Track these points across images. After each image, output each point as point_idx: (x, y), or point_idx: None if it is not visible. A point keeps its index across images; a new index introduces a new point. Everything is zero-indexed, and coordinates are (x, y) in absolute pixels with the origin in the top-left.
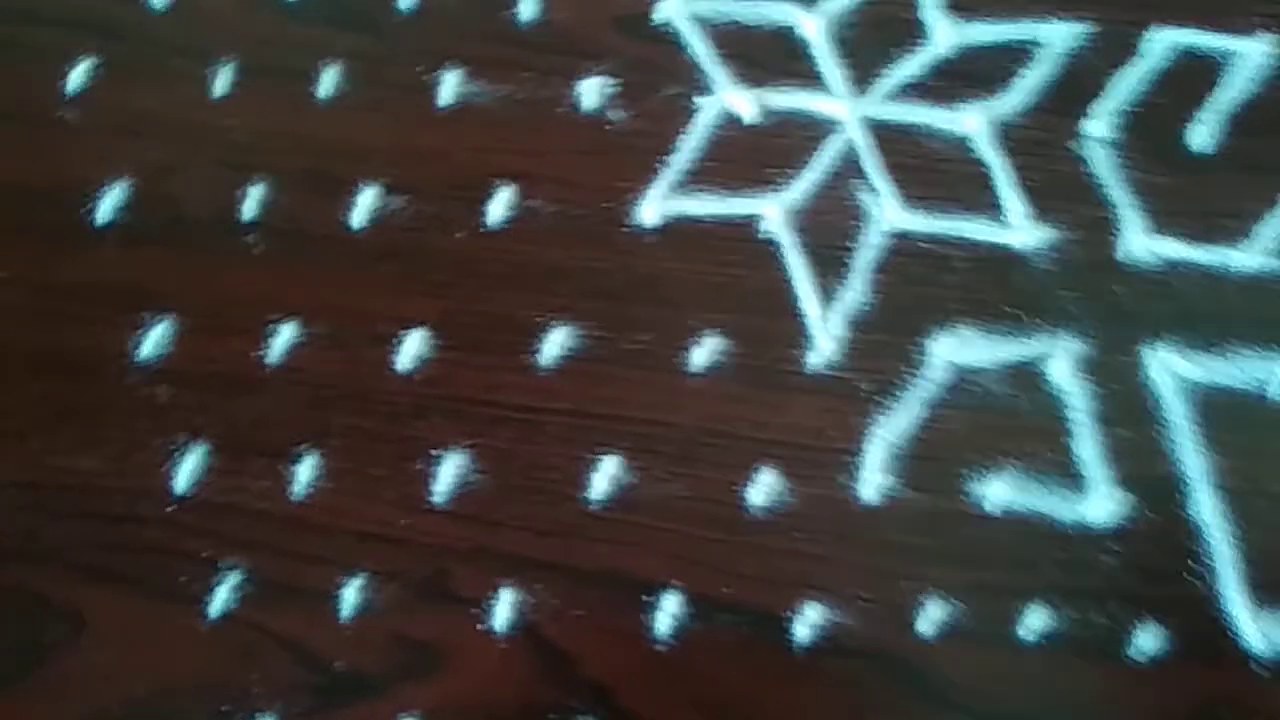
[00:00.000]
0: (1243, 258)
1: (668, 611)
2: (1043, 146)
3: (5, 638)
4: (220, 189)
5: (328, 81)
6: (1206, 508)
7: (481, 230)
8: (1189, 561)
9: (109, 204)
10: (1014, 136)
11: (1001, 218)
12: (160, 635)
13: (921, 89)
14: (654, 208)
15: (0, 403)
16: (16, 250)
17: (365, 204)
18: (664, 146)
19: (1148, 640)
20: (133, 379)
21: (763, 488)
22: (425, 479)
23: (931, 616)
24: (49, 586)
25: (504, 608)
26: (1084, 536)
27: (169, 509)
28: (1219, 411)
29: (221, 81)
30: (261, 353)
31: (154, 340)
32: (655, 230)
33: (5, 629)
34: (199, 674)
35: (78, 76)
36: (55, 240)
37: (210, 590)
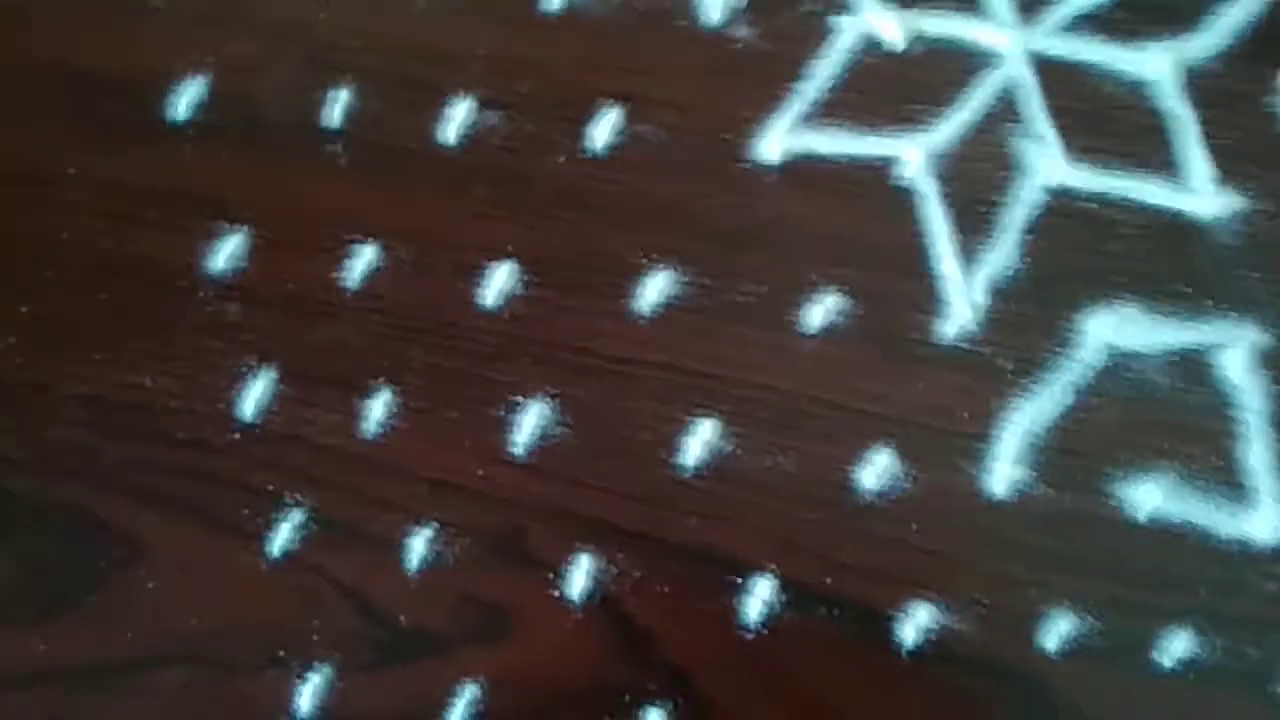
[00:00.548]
0: None
1: (759, 597)
2: (1237, 100)
3: (63, 558)
4: (304, 90)
5: None
6: None
7: (583, 156)
8: None
9: (185, 99)
10: (1203, 86)
11: (1181, 180)
12: (219, 569)
13: (1099, 21)
14: (777, 142)
15: (63, 308)
16: (85, 144)
17: (458, 118)
18: (794, 71)
19: None
20: (203, 293)
21: (877, 469)
22: (505, 427)
23: (1058, 630)
24: (108, 508)
25: (581, 575)
26: (1243, 555)
27: (234, 436)
28: None
29: None
30: (339, 275)
31: (227, 253)
32: (777, 168)
33: (63, 549)
34: (256, 615)
35: None
36: (126, 135)
37: (272, 527)
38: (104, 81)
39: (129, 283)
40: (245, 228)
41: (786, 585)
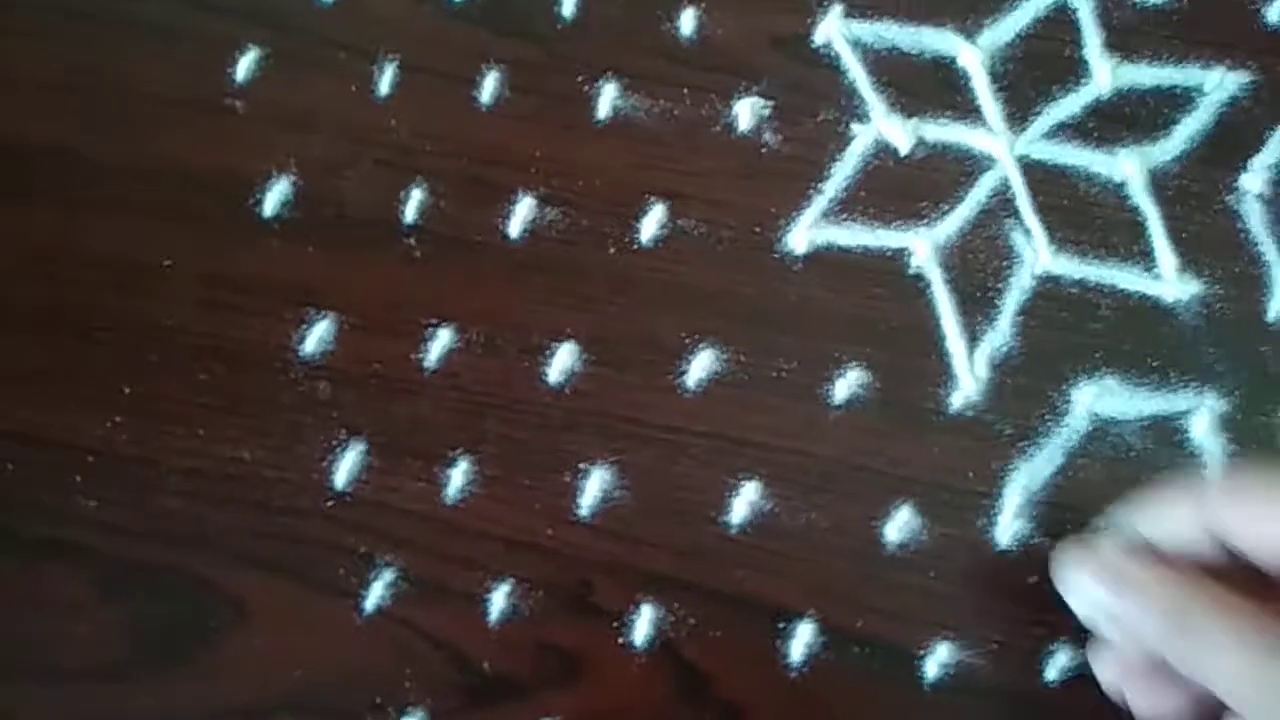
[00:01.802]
0: None
1: (801, 639)
2: (1198, 198)
3: (170, 619)
4: (381, 189)
5: (488, 87)
6: None
7: (634, 247)
8: None
9: (274, 197)
10: (1169, 185)
11: (1152, 268)
12: (318, 626)
13: (1079, 130)
14: (803, 235)
15: (167, 390)
16: (182, 238)
17: (521, 213)
18: (816, 173)
19: None
20: (295, 374)
21: (899, 524)
22: (572, 492)
23: (1059, 663)
24: (213, 572)
25: (643, 623)
26: None
27: (328, 504)
28: None
29: (385, 80)
30: (419, 356)
31: (316, 337)
32: (803, 258)
33: (172, 611)
34: (353, 667)
35: (246, 66)
36: (221, 231)
37: (365, 585)
38: (198, 180)
39: (227, 365)
40: (332, 314)
41: (824, 628)
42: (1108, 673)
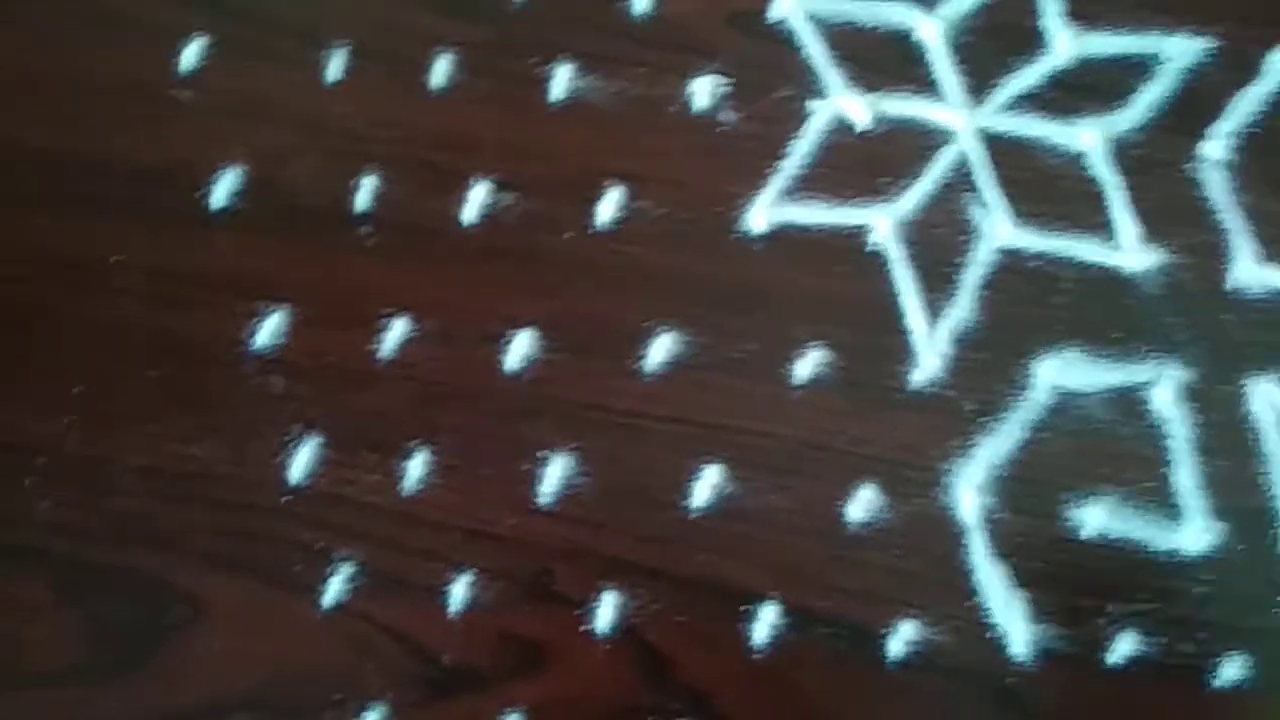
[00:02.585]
0: None
1: (765, 621)
2: (1158, 167)
3: (129, 619)
4: (333, 178)
5: (440, 71)
6: None
7: (590, 231)
8: (1278, 595)
9: (223, 189)
10: (1129, 155)
11: (1113, 239)
12: (276, 623)
13: (1038, 101)
14: (763, 214)
15: (118, 388)
16: (131, 233)
17: (476, 199)
18: (775, 151)
19: (1234, 670)
20: (248, 368)
21: (862, 503)
22: (532, 479)
23: (1023, 638)
24: (169, 571)
25: (607, 610)
26: (1177, 565)
27: (284, 499)
28: None
29: (334, 66)
30: (374, 346)
31: (268, 330)
32: (763, 238)
33: (129, 611)
34: (313, 662)
35: (191, 56)
36: (169, 224)
37: (324, 580)
38: (145, 173)
39: (178, 360)
40: (285, 306)
41: (789, 610)
42: None
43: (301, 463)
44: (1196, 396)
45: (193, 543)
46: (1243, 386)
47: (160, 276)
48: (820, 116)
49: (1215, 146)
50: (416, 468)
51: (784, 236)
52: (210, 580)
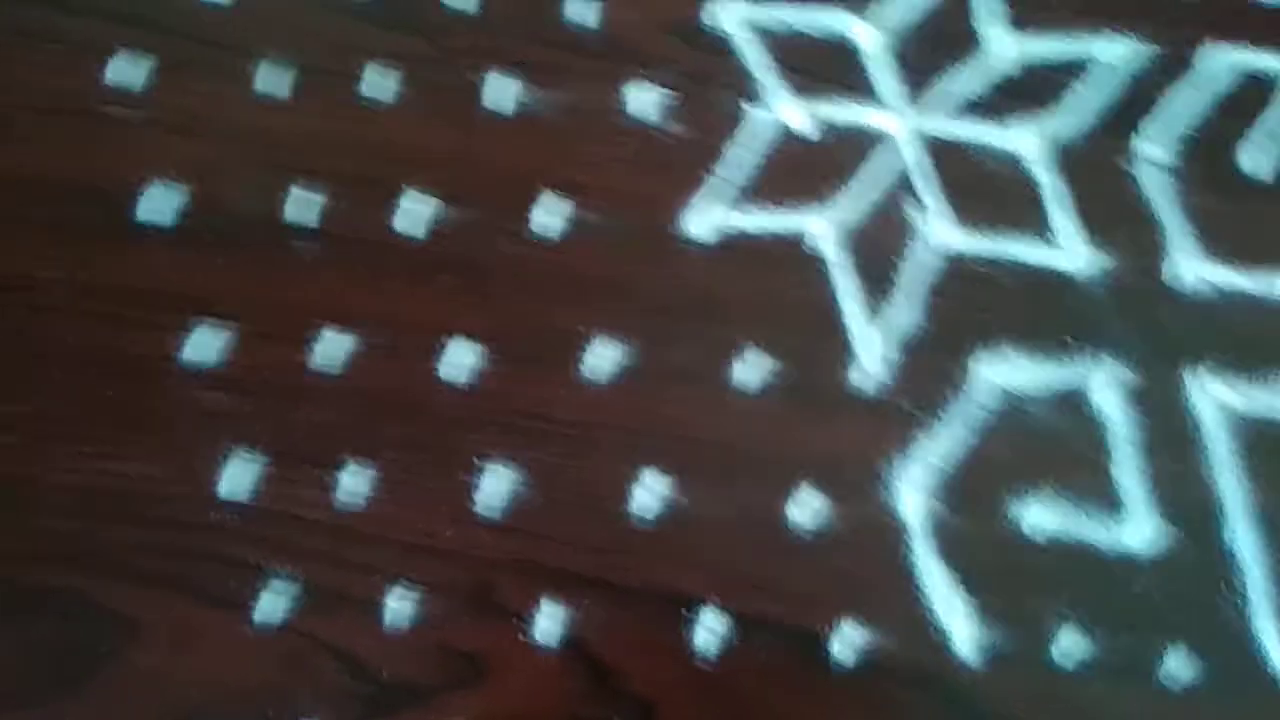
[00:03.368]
0: None
1: (710, 629)
2: (1096, 167)
3: (61, 642)
4: (269, 191)
5: (378, 84)
6: (1244, 538)
7: (531, 240)
8: (1224, 590)
9: (155, 204)
10: (1067, 156)
11: (1052, 239)
12: (211, 641)
13: (976, 104)
14: (704, 221)
15: (49, 405)
16: (61, 249)
17: (415, 211)
18: (716, 158)
19: (1179, 665)
20: (182, 384)
21: (806, 507)
22: (473, 491)
23: (969, 638)
24: (101, 592)
25: (549, 621)
26: (1120, 562)
27: (219, 516)
28: (1261, 441)
29: (267, 79)
30: (311, 360)
31: (203, 345)
32: (705, 244)
33: (61, 633)
34: (249, 681)
35: (120, 70)
36: (100, 240)
37: (259, 597)
38: (74, 188)
39: (109, 378)
40: (218, 321)
41: (734, 616)
42: None
43: (237, 478)
44: (1138, 393)
45: (125, 562)
46: (1183, 381)
47: (91, 293)
48: (760, 123)
49: (1151, 146)
50: (356, 481)
51: (726, 243)
52: (144, 600)
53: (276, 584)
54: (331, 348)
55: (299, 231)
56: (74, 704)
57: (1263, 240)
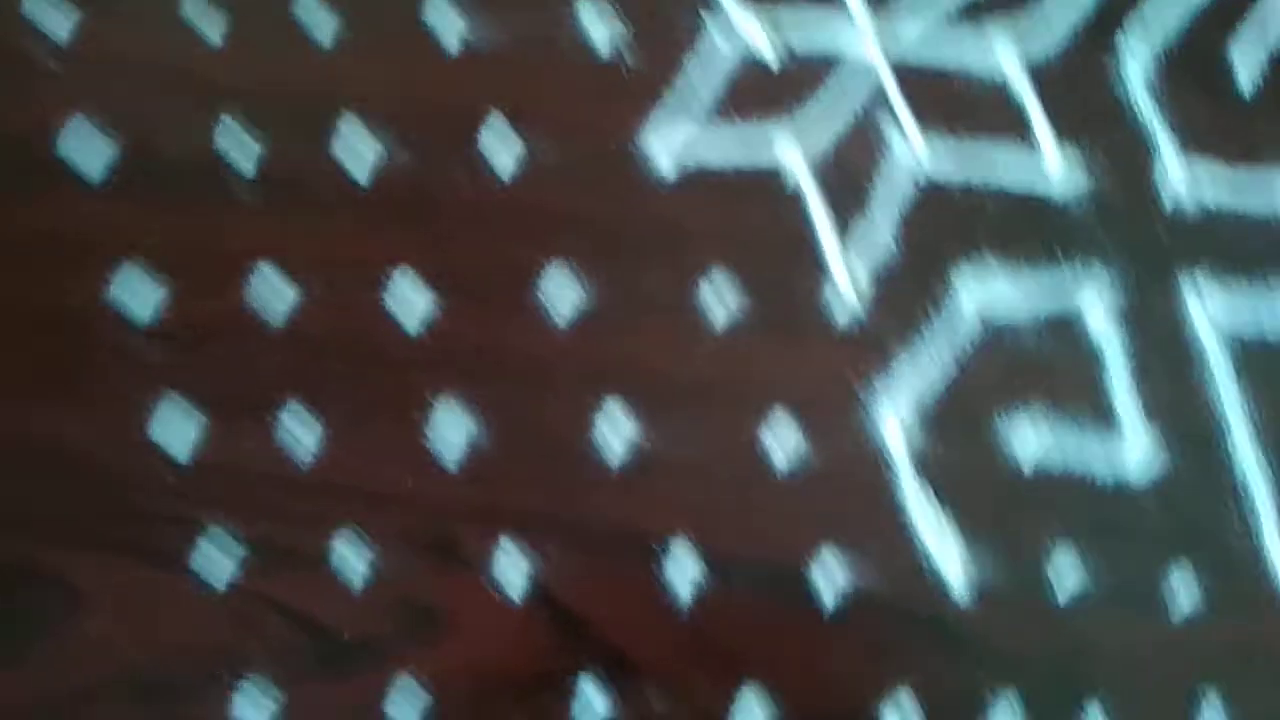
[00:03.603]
0: None
1: (684, 570)
2: (1076, 79)
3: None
4: (201, 133)
5: (314, 18)
6: (1244, 453)
7: (483, 175)
8: (1226, 508)
9: (82, 149)
10: (1046, 69)
11: (1034, 155)
12: (157, 604)
13: (950, 18)
14: (665, 149)
15: None
16: None
17: (356, 149)
18: (675, 83)
19: (1183, 588)
20: (115, 335)
21: (783, 441)
22: (429, 437)
23: (959, 571)
24: (38, 556)
25: (513, 570)
26: (1118, 485)
27: (160, 473)
28: (1259, 354)
29: (200, 16)
30: (250, 307)
31: (135, 294)
32: (667, 174)
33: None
34: (198, 642)
35: (41, 9)
36: (25, 187)
37: (205, 556)
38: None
39: (38, 331)
40: (152, 268)
41: (709, 557)
42: None
43: (177, 433)
44: (1129, 310)
45: (62, 525)
46: (1176, 296)
47: (15, 243)
48: (723, 46)
49: (1134, 56)
50: (301, 431)
51: (688, 171)
52: (83, 564)
53: (222, 541)
54: (270, 293)
55: (233, 174)
56: (14, 672)
57: (1253, 147)
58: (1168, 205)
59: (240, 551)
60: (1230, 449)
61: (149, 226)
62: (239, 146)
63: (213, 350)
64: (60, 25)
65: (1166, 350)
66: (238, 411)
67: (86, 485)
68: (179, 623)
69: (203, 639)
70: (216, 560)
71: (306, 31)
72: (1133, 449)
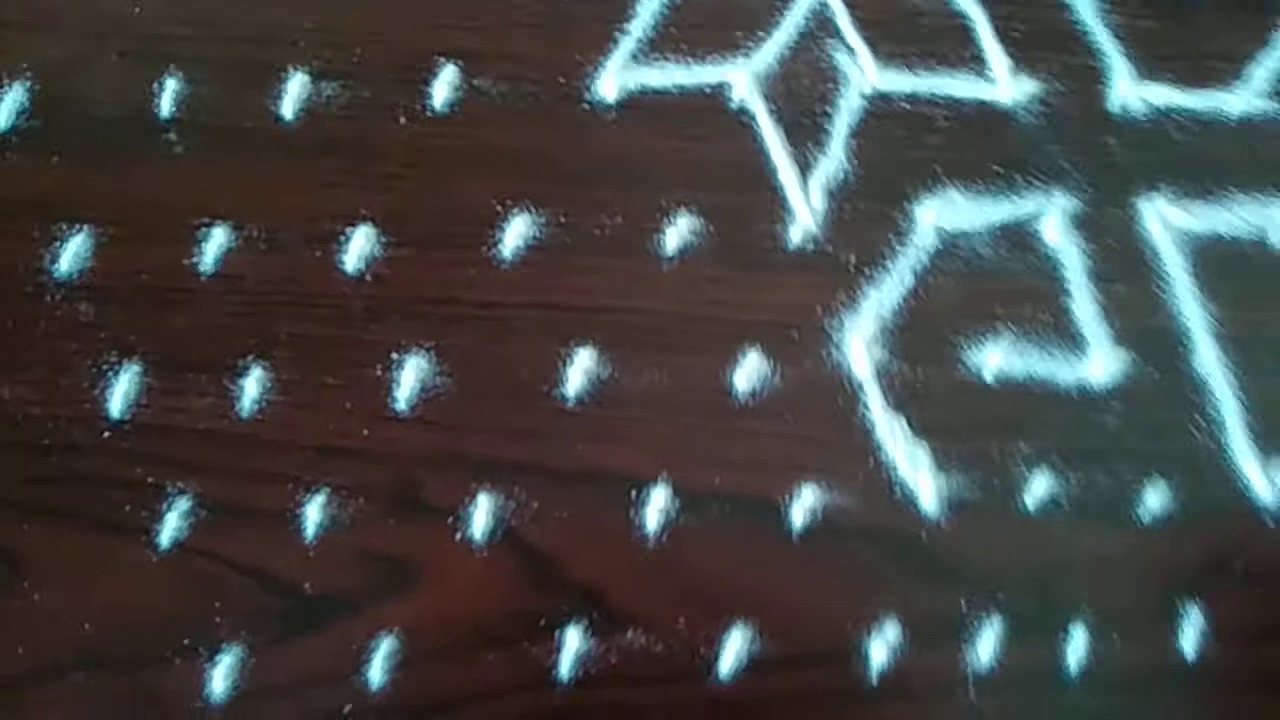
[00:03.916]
0: (1236, 101)
1: (655, 506)
2: None
3: None
4: (131, 84)
5: None
6: (1209, 360)
7: (426, 115)
8: (1193, 415)
9: (7, 106)
10: None
11: (984, 72)
12: (108, 571)
13: None
14: (612, 81)
15: None
16: None
17: (295, 92)
18: (619, 13)
19: (1155, 498)
20: (52, 297)
21: (748, 371)
22: (385, 386)
23: (932, 490)
24: None
25: (481, 515)
26: (1085, 397)
27: (105, 435)
28: (1217, 260)
29: None
30: (192, 261)
31: (71, 254)
32: (616, 105)
33: None
34: (154, 609)
35: None
36: None
37: (158, 519)
38: None
39: None
40: (87, 226)
41: (679, 491)
42: None
43: (121, 394)
44: (1086, 224)
45: (5, 493)
46: (1134, 207)
47: None
48: None
49: None
50: (253, 386)
51: (638, 102)
52: (27, 532)
53: (177, 503)
54: (211, 246)
55: (168, 124)
56: None
57: (1203, 56)
58: (1121, 117)
59: (192, 512)
60: (1195, 356)
61: (81, 183)
62: (170, 95)
63: (153, 307)
64: None
65: (1126, 261)
66: (182, 369)
67: (28, 450)
68: (135, 589)
69: (163, 605)
70: (170, 522)
71: None
72: (1098, 359)
